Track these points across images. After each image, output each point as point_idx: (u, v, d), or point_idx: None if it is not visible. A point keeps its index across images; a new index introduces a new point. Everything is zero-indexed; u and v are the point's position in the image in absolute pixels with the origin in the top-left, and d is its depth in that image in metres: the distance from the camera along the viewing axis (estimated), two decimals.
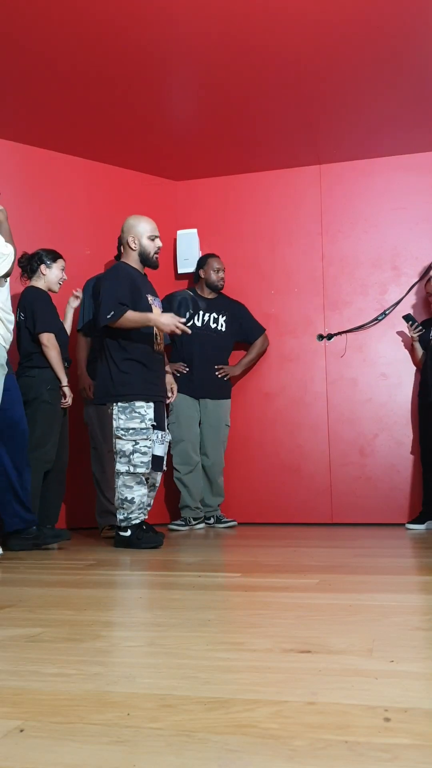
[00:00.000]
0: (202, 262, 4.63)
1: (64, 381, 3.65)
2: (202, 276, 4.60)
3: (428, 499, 4.20)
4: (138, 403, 3.32)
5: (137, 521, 3.32)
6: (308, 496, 4.67)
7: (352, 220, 4.85)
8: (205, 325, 4.51)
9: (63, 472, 3.76)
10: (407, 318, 4.39)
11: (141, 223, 3.49)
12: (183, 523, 4.33)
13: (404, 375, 4.59)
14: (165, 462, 3.47)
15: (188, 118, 4.31)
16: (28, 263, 3.76)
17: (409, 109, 4.20)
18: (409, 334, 4.41)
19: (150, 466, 3.32)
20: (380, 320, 4.71)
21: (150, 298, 3.42)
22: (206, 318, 4.53)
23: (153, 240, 3.45)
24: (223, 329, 4.56)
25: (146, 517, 3.41)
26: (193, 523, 4.37)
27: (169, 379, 3.81)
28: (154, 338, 3.41)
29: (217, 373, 4.48)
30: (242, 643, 1.42)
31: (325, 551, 3.15)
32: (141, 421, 3.31)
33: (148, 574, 2.53)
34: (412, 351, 4.53)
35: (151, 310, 3.35)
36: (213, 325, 4.54)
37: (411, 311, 4.62)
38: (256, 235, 4.98)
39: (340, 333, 4.77)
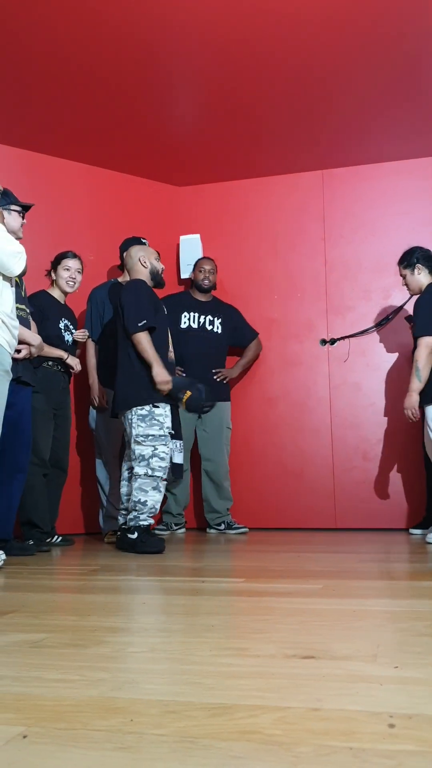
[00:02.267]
0: (194, 265, 4.69)
1: (63, 354, 3.66)
2: (192, 278, 4.67)
3: (431, 504, 4.19)
4: (157, 411, 3.42)
5: (145, 523, 3.36)
6: (312, 501, 4.66)
7: (355, 225, 4.85)
8: (201, 327, 4.53)
9: (60, 475, 3.74)
10: (409, 319, 4.39)
11: (145, 246, 3.77)
12: (164, 528, 4.36)
13: (407, 380, 4.58)
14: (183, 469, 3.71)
15: (191, 124, 4.32)
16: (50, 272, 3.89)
17: (412, 113, 4.21)
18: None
19: (168, 472, 3.47)
20: (383, 325, 4.71)
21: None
22: (201, 320, 4.55)
23: (158, 260, 3.66)
24: (219, 331, 4.57)
25: (153, 522, 3.48)
26: (175, 528, 4.39)
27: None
28: (168, 346, 3.61)
29: (215, 376, 4.48)
30: (246, 649, 1.42)
31: (329, 556, 3.15)
32: (160, 428, 3.41)
33: (152, 579, 2.52)
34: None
35: (167, 325, 3.67)
36: (209, 327, 4.56)
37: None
38: (259, 240, 4.99)
39: (343, 338, 4.76)
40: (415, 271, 3.80)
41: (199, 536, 4.30)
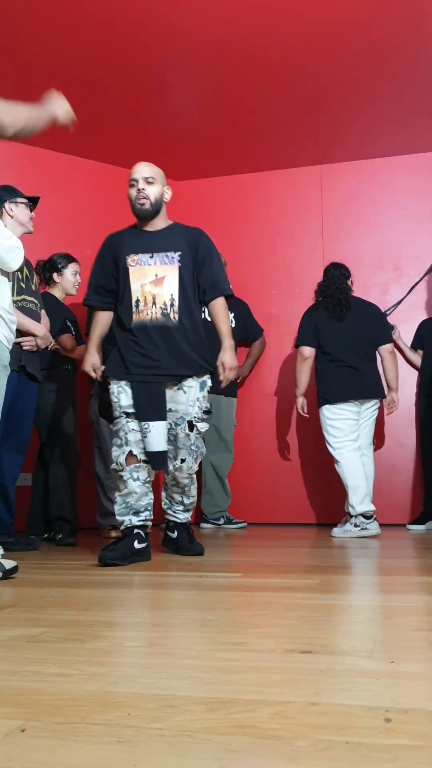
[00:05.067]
0: None
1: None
2: None
3: (429, 500, 4.20)
4: (112, 387, 2.95)
5: (122, 528, 2.91)
6: (310, 497, 4.67)
7: (354, 221, 4.85)
8: (206, 321, 4.52)
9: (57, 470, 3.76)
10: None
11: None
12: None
13: (406, 376, 4.58)
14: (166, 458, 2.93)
15: (189, 119, 4.32)
16: (42, 272, 3.82)
17: (410, 109, 4.20)
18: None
19: (123, 462, 2.88)
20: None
21: (134, 257, 2.94)
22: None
23: (132, 186, 2.98)
24: (233, 325, 4.56)
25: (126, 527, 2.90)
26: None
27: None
28: (133, 306, 2.92)
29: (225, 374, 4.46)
30: (244, 644, 1.42)
31: (327, 551, 3.15)
32: (115, 409, 2.95)
33: (150, 574, 2.53)
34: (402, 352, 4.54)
35: (127, 273, 2.94)
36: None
37: (412, 311, 4.62)
38: (258, 235, 4.98)
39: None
40: None
41: (194, 531, 4.30)
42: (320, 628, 1.56)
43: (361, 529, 3.76)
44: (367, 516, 3.78)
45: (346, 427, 3.89)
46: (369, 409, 3.99)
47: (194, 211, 5.05)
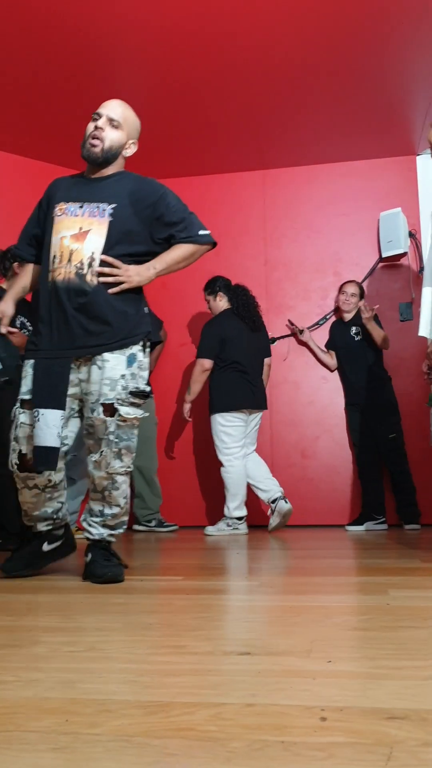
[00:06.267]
0: None
1: None
2: None
3: (367, 501, 4.29)
4: (25, 368, 2.42)
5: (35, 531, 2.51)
6: (250, 499, 4.70)
7: (296, 226, 4.91)
8: None
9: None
10: (289, 322, 4.67)
11: None
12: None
13: (345, 378, 4.67)
14: (57, 454, 2.29)
15: None
16: (1, 262, 3.66)
17: (352, 117, 4.29)
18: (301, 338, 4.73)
19: (17, 462, 2.34)
20: (321, 324, 4.79)
21: (62, 205, 2.43)
22: None
23: (93, 120, 2.52)
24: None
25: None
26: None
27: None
28: (50, 263, 2.39)
29: None
30: (183, 646, 1.43)
31: (267, 553, 3.18)
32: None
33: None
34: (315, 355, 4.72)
35: (52, 223, 2.42)
36: None
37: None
38: None
39: (283, 337, 4.82)
40: (217, 297, 4.37)
41: (128, 535, 4.28)
42: (259, 629, 1.58)
43: (234, 528, 4.12)
44: (239, 518, 4.13)
45: (237, 434, 4.16)
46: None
47: None
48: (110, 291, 2.33)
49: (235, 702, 1.05)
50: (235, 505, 4.12)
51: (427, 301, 2.84)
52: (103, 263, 2.32)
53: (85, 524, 2.44)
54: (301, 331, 4.67)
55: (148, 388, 2.40)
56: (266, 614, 1.74)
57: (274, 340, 4.80)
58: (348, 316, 4.51)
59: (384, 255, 4.67)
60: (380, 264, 4.77)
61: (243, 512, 4.15)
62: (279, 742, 0.89)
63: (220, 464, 4.16)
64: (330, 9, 3.28)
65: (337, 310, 4.68)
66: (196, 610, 1.85)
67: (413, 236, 4.69)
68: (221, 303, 4.35)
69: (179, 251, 2.43)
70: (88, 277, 2.32)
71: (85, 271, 2.32)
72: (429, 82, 3.92)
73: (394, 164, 4.82)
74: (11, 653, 1.39)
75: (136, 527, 4.49)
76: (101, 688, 1.14)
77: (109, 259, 2.32)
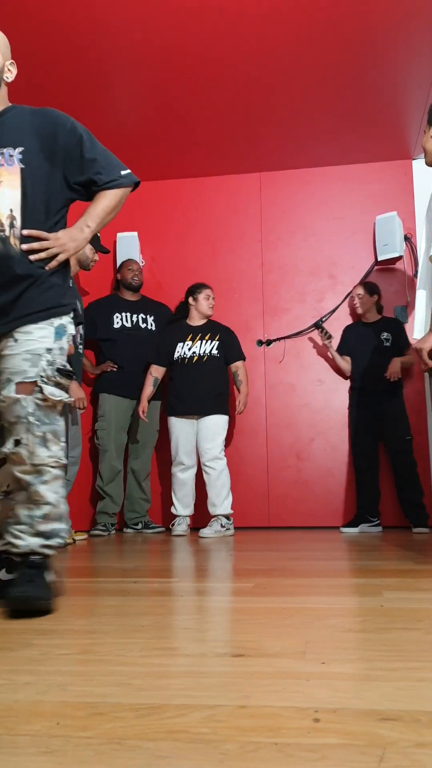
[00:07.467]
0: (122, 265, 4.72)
1: None
2: (119, 278, 4.71)
3: (361, 503, 4.29)
4: None
5: None
6: (246, 500, 4.70)
7: (292, 229, 4.92)
8: (135, 326, 4.54)
9: None
10: (317, 325, 4.57)
11: None
12: (104, 529, 4.33)
13: (340, 381, 4.68)
14: None
15: (129, 123, 4.30)
16: None
17: (348, 121, 4.30)
18: (320, 343, 4.60)
19: None
20: (326, 332, 4.79)
21: None
22: (134, 318, 4.57)
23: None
24: (153, 328, 4.60)
25: None
26: (112, 529, 4.38)
27: (74, 386, 3.53)
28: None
29: None
30: (176, 648, 1.42)
31: (261, 555, 3.18)
32: None
33: (83, 580, 2.49)
34: (332, 360, 4.64)
35: None
36: (143, 325, 4.60)
37: (348, 320, 4.71)
38: (197, 240, 4.99)
39: (278, 339, 4.82)
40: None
41: (117, 536, 4.28)
42: (253, 631, 1.57)
43: (227, 529, 4.14)
44: (228, 517, 4.18)
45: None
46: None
47: (133, 214, 5.03)
48: (48, 266, 1.94)
49: (228, 704, 1.05)
50: (230, 502, 4.18)
51: (421, 305, 2.84)
52: (25, 239, 1.91)
53: (9, 537, 1.86)
54: (330, 338, 4.51)
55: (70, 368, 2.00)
56: (260, 616, 1.74)
57: (269, 342, 4.80)
58: (370, 317, 4.45)
59: (379, 258, 4.68)
60: (376, 267, 4.78)
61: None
62: (272, 743, 0.89)
63: (219, 461, 4.18)
64: (326, 13, 3.28)
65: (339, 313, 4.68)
66: (190, 611, 1.85)
67: (409, 240, 4.69)
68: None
69: (106, 200, 2.02)
70: (12, 241, 1.90)
71: (7, 233, 1.90)
72: (425, 86, 3.93)
73: (391, 168, 4.82)
74: (3, 656, 1.38)
75: (125, 530, 4.50)
76: (93, 691, 1.14)
77: (34, 233, 1.91)
